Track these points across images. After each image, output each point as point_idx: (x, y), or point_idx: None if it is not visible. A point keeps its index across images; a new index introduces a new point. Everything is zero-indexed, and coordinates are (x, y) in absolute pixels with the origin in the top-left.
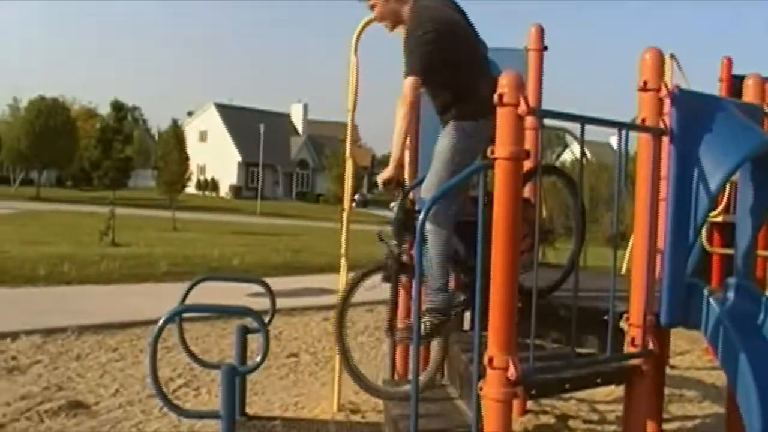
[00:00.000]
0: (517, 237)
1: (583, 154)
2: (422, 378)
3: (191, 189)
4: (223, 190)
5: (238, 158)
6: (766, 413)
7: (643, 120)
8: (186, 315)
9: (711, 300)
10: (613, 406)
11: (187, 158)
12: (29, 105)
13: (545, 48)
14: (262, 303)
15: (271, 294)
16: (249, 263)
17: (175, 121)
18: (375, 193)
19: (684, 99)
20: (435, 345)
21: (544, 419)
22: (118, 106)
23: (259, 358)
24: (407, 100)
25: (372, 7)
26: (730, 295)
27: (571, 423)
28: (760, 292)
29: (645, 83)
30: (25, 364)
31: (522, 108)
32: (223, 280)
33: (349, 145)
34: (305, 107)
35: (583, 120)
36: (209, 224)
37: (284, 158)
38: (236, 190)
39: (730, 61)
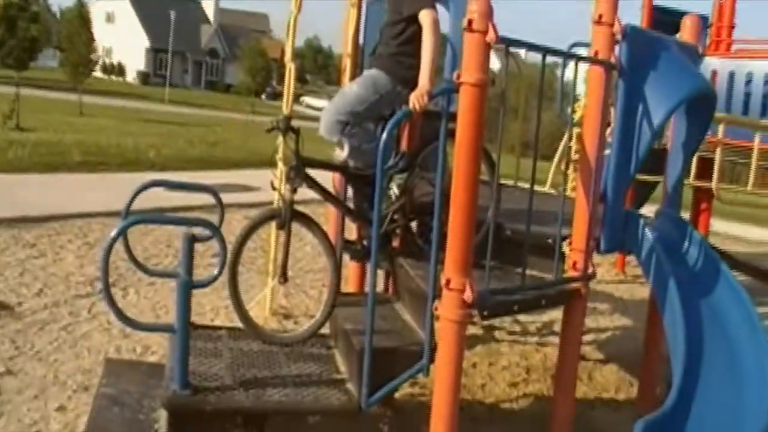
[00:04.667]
0: (478, 161)
1: (543, 81)
2: (318, 317)
3: (97, 72)
4: (130, 76)
5: (147, 43)
6: (689, 335)
7: (596, 53)
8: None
9: (646, 229)
10: (532, 317)
11: (93, 40)
12: None
13: None
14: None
15: (221, 204)
16: (165, 156)
17: (80, 0)
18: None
19: (634, 36)
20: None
21: (473, 330)
22: None
23: (216, 271)
24: (437, 34)
25: None
26: (661, 223)
27: (497, 334)
28: (685, 221)
29: (600, 17)
30: None
31: (491, 35)
32: (172, 187)
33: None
34: None
35: (545, 50)
36: (117, 110)
37: (194, 46)
38: (144, 76)
39: None
